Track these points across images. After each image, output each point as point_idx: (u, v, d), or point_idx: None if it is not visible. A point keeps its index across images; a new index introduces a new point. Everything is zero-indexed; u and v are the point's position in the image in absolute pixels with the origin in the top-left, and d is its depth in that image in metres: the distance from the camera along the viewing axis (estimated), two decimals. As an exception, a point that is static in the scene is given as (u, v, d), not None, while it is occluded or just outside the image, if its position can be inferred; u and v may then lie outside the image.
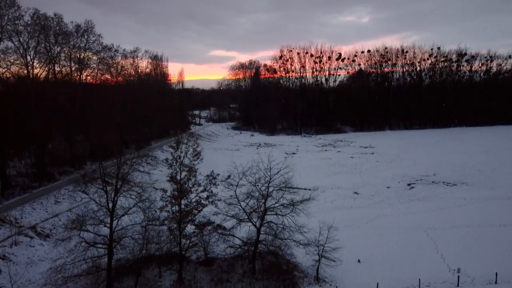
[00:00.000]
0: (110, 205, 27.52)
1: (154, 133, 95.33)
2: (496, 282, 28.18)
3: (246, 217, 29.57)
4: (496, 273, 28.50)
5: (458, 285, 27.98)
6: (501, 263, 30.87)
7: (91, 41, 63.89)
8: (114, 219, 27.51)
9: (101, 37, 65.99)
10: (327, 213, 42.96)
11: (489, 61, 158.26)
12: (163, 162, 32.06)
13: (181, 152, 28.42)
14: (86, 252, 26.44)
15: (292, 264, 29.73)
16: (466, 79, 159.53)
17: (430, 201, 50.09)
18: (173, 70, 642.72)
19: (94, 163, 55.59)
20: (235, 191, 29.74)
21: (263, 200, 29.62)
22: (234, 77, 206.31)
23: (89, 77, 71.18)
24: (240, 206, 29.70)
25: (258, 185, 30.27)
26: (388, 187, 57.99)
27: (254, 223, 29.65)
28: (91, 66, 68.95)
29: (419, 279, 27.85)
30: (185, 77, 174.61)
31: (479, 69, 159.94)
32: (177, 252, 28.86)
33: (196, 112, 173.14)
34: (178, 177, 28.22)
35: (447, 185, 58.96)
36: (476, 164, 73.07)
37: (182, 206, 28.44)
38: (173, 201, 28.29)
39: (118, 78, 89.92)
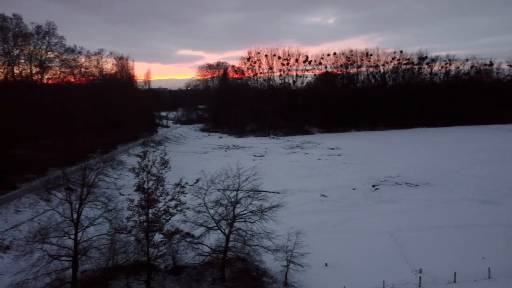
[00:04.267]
0: (75, 216, 26.90)
1: (120, 137, 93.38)
2: (455, 281, 29.52)
3: (215, 224, 29.60)
4: (455, 273, 29.87)
5: (420, 286, 29.09)
6: (460, 262, 32.35)
7: (53, 43, 61.92)
8: (79, 230, 26.89)
9: (64, 38, 64.16)
10: (296, 218, 43.61)
11: (448, 64, 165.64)
12: (131, 169, 31.55)
13: (149, 161, 28.08)
14: (49, 265, 25.70)
15: (261, 270, 30.02)
16: (427, 81, 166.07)
17: (394, 203, 51.76)
18: (140, 70, 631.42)
19: (58, 169, 53.89)
20: (204, 199, 29.72)
21: (232, 208, 29.74)
22: (202, 77, 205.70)
23: (51, 80, 68.94)
24: (209, 214, 29.69)
25: (227, 193, 30.38)
26: (354, 189, 59.44)
27: (223, 230, 29.71)
28: (53, 68, 66.86)
29: (383, 281, 28.80)
30: (152, 77, 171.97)
31: (439, 71, 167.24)
32: (145, 262, 28.53)
33: (164, 113, 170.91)
34: (146, 186, 27.89)
35: (410, 185, 61.12)
36: (438, 165, 76.12)
37: (150, 215, 28.13)
38: (141, 210, 27.93)
39: (82, 80, 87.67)
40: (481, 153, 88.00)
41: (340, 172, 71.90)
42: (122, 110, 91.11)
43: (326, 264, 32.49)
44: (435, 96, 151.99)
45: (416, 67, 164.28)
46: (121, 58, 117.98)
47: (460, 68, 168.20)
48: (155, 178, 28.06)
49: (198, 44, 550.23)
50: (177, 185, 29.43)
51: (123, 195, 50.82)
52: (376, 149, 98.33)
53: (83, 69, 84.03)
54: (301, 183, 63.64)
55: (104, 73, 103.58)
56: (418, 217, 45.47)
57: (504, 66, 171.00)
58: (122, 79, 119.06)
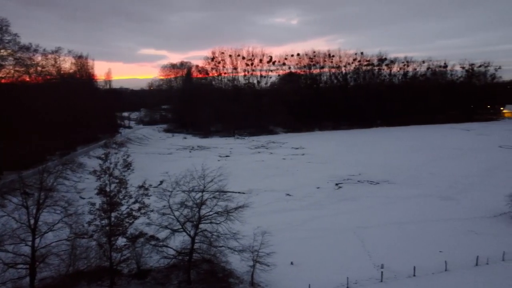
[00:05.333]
0: (32, 221, 25.75)
1: (80, 138, 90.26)
2: (414, 275, 30.67)
3: (180, 227, 29.20)
4: (414, 267, 31.04)
5: (382, 281, 30.00)
6: (419, 257, 33.68)
7: (6, 41, 58.96)
8: (37, 236, 25.77)
9: (18, 36, 61.20)
10: (262, 217, 43.87)
11: (406, 65, 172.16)
12: (92, 172, 30.56)
13: (111, 163, 27.32)
14: (4, 273, 24.48)
15: (227, 271, 29.86)
16: (387, 82, 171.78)
17: (357, 201, 53.11)
18: (100, 70, 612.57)
19: (14, 172, 51.37)
20: (168, 201, 29.24)
21: (197, 209, 29.45)
22: (165, 77, 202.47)
23: (4, 79, 65.56)
24: (174, 216, 29.24)
25: (192, 194, 30.06)
26: (318, 188, 60.46)
27: (189, 232, 29.37)
28: (7, 66, 63.65)
29: (347, 278, 29.47)
30: (113, 77, 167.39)
31: (398, 72, 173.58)
32: (108, 267, 27.73)
33: (126, 114, 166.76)
34: (108, 189, 27.12)
35: (371, 183, 62.93)
36: (397, 163, 78.89)
37: (113, 219, 27.39)
38: (103, 214, 27.12)
39: (38, 79, 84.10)
40: (437, 151, 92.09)
41: (304, 172, 72.94)
42: (82, 111, 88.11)
43: (291, 263, 32.84)
44: (394, 97, 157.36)
45: (376, 68, 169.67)
46: (80, 57, 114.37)
47: (417, 69, 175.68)
48: (117, 180, 27.34)
49: (161, 43, 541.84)
50: (140, 187, 28.81)
51: (84, 198, 49.30)
52: (339, 148, 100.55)
53: (39, 68, 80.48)
54: (266, 183, 64.01)
55: (62, 72, 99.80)
56: (379, 214, 46.91)
57: (457, 68, 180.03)
58: (82, 79, 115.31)
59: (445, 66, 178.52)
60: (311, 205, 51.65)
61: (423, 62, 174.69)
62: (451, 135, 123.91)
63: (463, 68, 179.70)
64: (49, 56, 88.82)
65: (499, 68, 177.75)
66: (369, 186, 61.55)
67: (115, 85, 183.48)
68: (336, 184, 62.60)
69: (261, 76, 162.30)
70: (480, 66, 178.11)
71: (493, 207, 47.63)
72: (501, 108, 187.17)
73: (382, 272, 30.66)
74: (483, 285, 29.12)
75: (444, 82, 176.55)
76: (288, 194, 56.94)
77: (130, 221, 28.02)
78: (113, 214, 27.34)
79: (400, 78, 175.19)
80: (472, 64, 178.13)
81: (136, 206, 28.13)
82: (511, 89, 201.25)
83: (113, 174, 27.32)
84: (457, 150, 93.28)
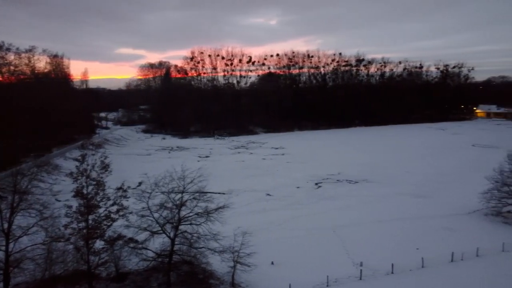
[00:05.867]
0: (6, 225, 25.04)
1: (56, 139, 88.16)
2: (392, 272, 31.25)
3: (160, 228, 28.90)
4: (392, 264, 31.62)
5: (361, 278, 30.44)
6: (397, 254, 34.33)
7: (-24, 39, 56.94)
8: (11, 241, 25.08)
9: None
10: (242, 218, 43.86)
11: (383, 66, 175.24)
12: (68, 174, 29.94)
13: (88, 165, 26.80)
14: (-23, 280, 23.72)
15: (208, 272, 29.75)
16: (364, 82, 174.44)
17: (336, 200, 53.70)
18: (76, 69, 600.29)
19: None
20: (147, 203, 28.90)
21: (177, 210, 29.21)
22: (143, 77, 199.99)
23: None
24: (153, 217, 28.93)
25: (171, 195, 29.78)
26: (298, 188, 60.83)
27: (168, 234, 29.10)
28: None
29: (327, 276, 29.77)
30: (89, 77, 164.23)
31: (375, 73, 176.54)
32: (86, 271, 27.19)
33: (103, 114, 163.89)
34: (85, 191, 26.59)
35: (350, 182, 63.75)
36: (375, 162, 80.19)
37: (90, 222, 26.87)
38: (80, 217, 26.59)
39: (11, 79, 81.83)
40: (413, 150, 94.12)
41: (284, 171, 73.27)
42: (58, 111, 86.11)
43: (272, 263, 32.94)
44: (371, 97, 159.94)
45: (354, 68, 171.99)
46: (55, 56, 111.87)
47: (394, 70, 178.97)
48: (95, 182, 26.85)
49: (139, 43, 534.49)
50: (119, 189, 28.39)
51: (60, 201, 48.18)
52: (318, 148, 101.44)
53: (12, 68, 78.39)
54: (246, 183, 64.00)
55: (36, 72, 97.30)
56: (358, 213, 47.57)
57: (432, 68, 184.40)
58: (57, 78, 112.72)
59: (421, 67, 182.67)
60: (291, 204, 51.92)
61: (400, 63, 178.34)
62: (427, 134, 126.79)
63: (438, 69, 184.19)
64: (23, 55, 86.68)
65: (472, 69, 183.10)
66: (348, 185, 62.34)
67: (92, 85, 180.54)
68: (316, 184, 63.14)
69: (240, 76, 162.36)
70: (454, 67, 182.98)
71: (467, 204, 48.95)
72: (474, 108, 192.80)
73: (361, 270, 31.10)
74: (459, 281, 29.91)
75: (420, 83, 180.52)
76: (268, 194, 57.08)
77: (108, 224, 27.58)
78: (90, 217, 26.84)
79: (377, 78, 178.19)
80: (446, 65, 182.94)
81: (114, 208, 27.70)
82: (484, 90, 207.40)
83: (90, 176, 26.82)
84: (433, 149, 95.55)
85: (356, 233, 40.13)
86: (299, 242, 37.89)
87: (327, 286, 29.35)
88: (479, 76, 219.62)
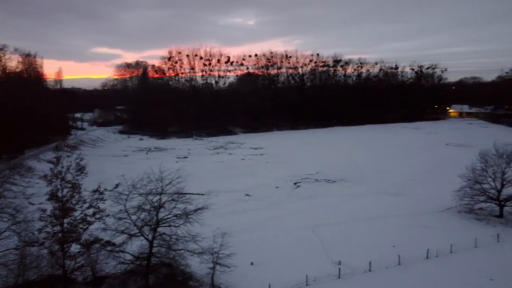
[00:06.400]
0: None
1: (29, 141, 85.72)
2: (370, 270, 31.77)
3: (138, 231, 28.49)
4: (370, 262, 32.15)
5: (339, 277, 30.82)
6: (374, 252, 34.93)
7: None
8: (-19, 246, 24.27)
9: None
10: (222, 219, 43.72)
11: (359, 67, 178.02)
12: (42, 177, 29.17)
13: (63, 167, 26.19)
14: None
15: (187, 274, 29.53)
16: (342, 83, 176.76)
17: (315, 199, 54.19)
18: (50, 69, 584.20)
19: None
20: (125, 205, 28.42)
21: (155, 212, 28.86)
22: (120, 77, 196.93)
23: None
24: (131, 220, 28.47)
25: (149, 197, 29.41)
26: (277, 187, 61.10)
27: (146, 236, 28.72)
28: None
29: (306, 275, 30.02)
30: (64, 76, 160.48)
31: (352, 73, 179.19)
32: (61, 275, 26.56)
33: (78, 115, 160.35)
34: (60, 194, 25.97)
35: (328, 182, 64.48)
36: (353, 161, 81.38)
37: (65, 225, 26.28)
38: (54, 220, 25.95)
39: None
40: (390, 149, 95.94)
41: (263, 171, 73.46)
42: (31, 112, 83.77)
43: (252, 263, 32.97)
44: (349, 97, 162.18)
45: (332, 69, 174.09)
46: (28, 55, 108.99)
47: (370, 71, 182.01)
48: (70, 185, 26.28)
49: (115, 42, 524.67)
50: (95, 191, 27.87)
51: (34, 204, 46.97)
52: (297, 148, 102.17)
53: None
54: (225, 183, 63.84)
55: (8, 71, 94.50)
56: (336, 212, 48.14)
57: (407, 69, 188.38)
58: (30, 78, 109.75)
59: (396, 67, 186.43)
60: (270, 204, 52.10)
61: (376, 63, 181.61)
62: (402, 134, 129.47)
63: (412, 69, 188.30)
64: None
65: (445, 70, 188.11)
66: (326, 184, 63.03)
67: (66, 85, 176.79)
68: (295, 184, 63.55)
69: (219, 76, 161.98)
70: (428, 68, 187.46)
71: (442, 202, 50.23)
72: (447, 108, 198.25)
73: (339, 268, 31.50)
74: (433, 277, 30.67)
75: (395, 83, 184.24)
76: (247, 195, 57.11)
77: (84, 227, 27.05)
78: (66, 220, 26.26)
79: (354, 79, 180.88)
80: (420, 66, 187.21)
81: (91, 211, 27.19)
82: (456, 90, 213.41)
83: (65, 178, 26.25)
84: (408, 148, 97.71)
85: (334, 232, 40.60)
86: (278, 242, 38.05)
87: (306, 285, 29.59)
88: (452, 77, 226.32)
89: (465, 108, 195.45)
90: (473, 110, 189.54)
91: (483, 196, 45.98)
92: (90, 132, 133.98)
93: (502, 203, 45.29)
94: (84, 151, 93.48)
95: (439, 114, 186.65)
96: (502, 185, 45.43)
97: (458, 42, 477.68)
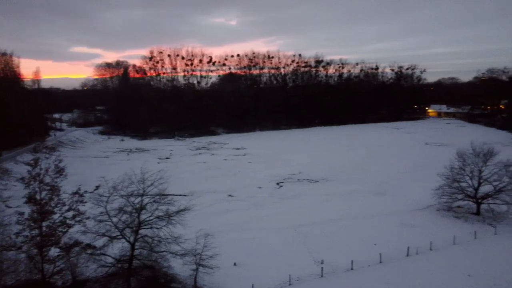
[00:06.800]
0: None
1: (6, 142, 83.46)
2: (352, 269, 32.13)
3: (119, 233, 28.08)
4: (352, 261, 32.50)
5: (322, 276, 31.07)
6: (356, 251, 35.35)
7: None
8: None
9: None
10: (204, 220, 43.52)
11: (341, 67, 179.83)
12: (19, 179, 28.46)
13: (41, 169, 25.61)
14: None
15: (169, 276, 29.24)
16: (323, 83, 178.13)
17: (298, 199, 54.50)
18: (27, 68, 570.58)
19: None
20: (106, 207, 27.97)
21: (137, 214, 28.50)
22: (100, 77, 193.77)
23: None
24: (112, 222, 28.02)
25: (131, 199, 29.03)
26: (260, 188, 61.17)
27: (128, 238, 28.35)
28: None
29: (289, 275, 30.15)
30: (42, 76, 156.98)
31: (334, 74, 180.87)
32: (40, 280, 25.97)
33: (57, 115, 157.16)
34: (38, 197, 25.39)
35: (311, 182, 64.92)
36: (334, 161, 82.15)
37: (44, 229, 25.71)
38: (33, 224, 25.36)
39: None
40: (371, 149, 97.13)
41: (246, 172, 73.45)
42: (7, 112, 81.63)
43: (235, 264, 32.92)
44: (330, 97, 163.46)
45: (313, 69, 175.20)
46: (3, 54, 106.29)
47: (351, 71, 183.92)
48: (49, 187, 25.72)
49: (95, 41, 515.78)
50: (75, 193, 27.38)
51: (11, 207, 45.87)
52: (279, 148, 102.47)
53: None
54: (208, 184, 63.59)
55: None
56: (319, 211, 48.54)
57: (387, 70, 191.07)
58: (6, 78, 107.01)
59: (377, 68, 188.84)
60: (253, 205, 52.12)
61: (357, 64, 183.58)
62: (383, 134, 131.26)
63: (392, 70, 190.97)
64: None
65: (424, 70, 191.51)
66: (309, 184, 63.43)
67: (44, 85, 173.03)
68: (277, 184, 63.75)
69: (201, 76, 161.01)
70: (407, 68, 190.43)
71: (421, 200, 51.17)
72: (426, 108, 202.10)
73: (322, 267, 31.77)
74: (414, 274, 31.22)
75: (376, 84, 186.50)
76: (230, 195, 56.99)
77: (64, 230, 26.54)
78: (44, 224, 25.71)
79: (336, 79, 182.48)
80: (400, 67, 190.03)
81: (70, 214, 26.68)
82: (435, 91, 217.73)
83: (43, 180, 25.68)
84: (389, 148, 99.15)
85: (317, 232, 40.91)
86: (261, 242, 38.11)
87: (290, 284, 29.73)
88: (430, 78, 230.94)
89: (444, 108, 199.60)
90: (451, 110, 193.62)
91: (461, 194, 47.08)
92: (69, 133, 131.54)
93: (479, 200, 46.45)
94: (63, 152, 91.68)
95: (418, 114, 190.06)
96: (479, 183, 46.62)
97: (436, 44, 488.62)
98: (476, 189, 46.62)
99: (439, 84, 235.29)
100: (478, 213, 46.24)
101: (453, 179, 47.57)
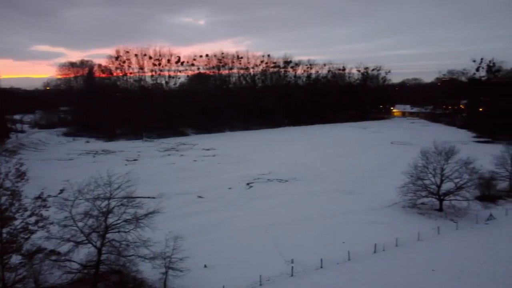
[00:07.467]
0: None
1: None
2: (321, 267, 32.61)
3: (85, 238, 27.35)
4: (321, 259, 32.99)
5: (292, 275, 31.35)
6: (325, 249, 35.89)
7: None
8: None
9: None
10: (174, 222, 42.99)
11: (309, 68, 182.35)
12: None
13: (0, 173, 24.52)
14: None
15: (138, 280, 28.72)
16: (292, 83, 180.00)
17: (268, 199, 54.75)
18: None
19: None
20: (70, 211, 27.17)
21: (104, 218, 27.84)
22: (63, 77, 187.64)
23: None
24: (77, 227, 27.27)
25: (97, 202, 28.31)
26: (230, 188, 61.03)
27: (94, 243, 27.64)
28: None
29: (260, 275, 30.24)
30: (1, 75, 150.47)
31: (302, 74, 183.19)
32: (0, 289, 24.88)
33: (18, 117, 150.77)
34: (-3, 203, 24.31)
35: (281, 181, 65.40)
36: (304, 161, 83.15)
37: (4, 235, 24.62)
38: (-9, 231, 24.24)
39: None
40: (339, 149, 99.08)
41: (216, 173, 73.11)
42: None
43: (205, 266, 32.70)
44: (299, 97, 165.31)
45: (282, 70, 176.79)
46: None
47: (319, 72, 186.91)
48: (9, 192, 24.64)
49: (58, 40, 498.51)
50: (37, 198, 26.34)
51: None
52: (249, 148, 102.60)
53: None
54: (177, 186, 62.83)
55: None
56: (289, 211, 48.93)
57: (354, 71, 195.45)
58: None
59: (344, 69, 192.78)
60: (223, 206, 51.94)
61: (324, 65, 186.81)
62: (350, 133, 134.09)
63: (359, 71, 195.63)
64: None
65: (389, 71, 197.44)
66: (279, 184, 63.88)
67: (4, 85, 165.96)
68: (248, 184, 63.82)
69: (169, 76, 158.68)
70: (373, 69, 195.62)
71: (388, 198, 52.56)
72: (391, 108, 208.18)
73: (292, 266, 32.08)
74: (381, 269, 32.07)
75: (343, 84, 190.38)
76: (200, 196, 56.55)
77: (26, 237, 25.46)
78: (4, 230, 24.61)
79: (304, 80, 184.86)
80: (366, 68, 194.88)
81: (33, 219, 25.64)
82: (399, 91, 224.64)
83: (3, 185, 24.59)
84: (356, 147, 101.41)
85: (287, 231, 41.24)
86: (232, 243, 38.04)
87: (260, 285, 29.82)
88: (395, 78, 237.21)
89: (408, 108, 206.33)
90: (415, 110, 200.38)
91: (425, 192, 48.76)
92: (31, 135, 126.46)
93: (442, 197, 48.27)
94: (25, 155, 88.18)
95: (384, 114, 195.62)
96: (441, 181, 48.46)
97: (400, 46, 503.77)
98: (439, 186, 48.42)
99: (403, 85, 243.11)
100: (441, 209, 48.04)
101: (417, 177, 49.19)
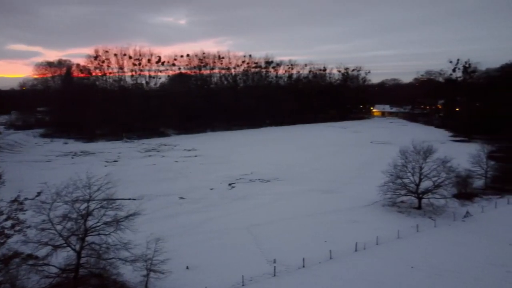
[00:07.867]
0: None
1: None
2: (303, 266, 32.83)
3: (64, 241, 26.81)
4: (303, 258, 33.21)
5: (274, 275, 31.45)
6: (307, 248, 36.15)
7: None
8: None
9: None
10: (155, 223, 42.63)
11: (290, 68, 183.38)
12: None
13: (-26, 176, 23.84)
14: None
15: (119, 284, 28.29)
16: (274, 83, 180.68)
17: (250, 199, 54.79)
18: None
19: None
20: (48, 214, 26.60)
21: (83, 221, 27.36)
22: (40, 76, 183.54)
23: None
24: (56, 230, 26.71)
25: (76, 205, 27.78)
26: (212, 189, 60.82)
27: (73, 247, 27.13)
28: None
29: (242, 276, 30.24)
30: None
31: (283, 74, 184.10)
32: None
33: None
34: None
35: (262, 181, 65.54)
36: (285, 161, 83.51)
37: (-21, 240, 23.96)
38: (-34, 236, 23.55)
39: None
40: (319, 148, 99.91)
41: (197, 173, 72.72)
42: None
43: (187, 267, 32.49)
44: (280, 98, 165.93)
45: (264, 70, 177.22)
46: None
47: (300, 72, 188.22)
48: (-16, 196, 23.98)
49: (35, 39, 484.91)
50: (13, 201, 25.75)
51: None
52: (231, 149, 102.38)
53: None
54: (158, 187, 62.23)
55: None
56: (271, 211, 49.11)
57: (335, 71, 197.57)
58: None
59: (324, 69, 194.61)
60: (205, 207, 51.71)
61: (306, 65, 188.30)
62: (331, 133, 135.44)
63: (339, 71, 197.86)
64: None
65: (369, 72, 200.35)
66: (261, 184, 64.00)
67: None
68: (229, 184, 63.72)
69: (149, 76, 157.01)
70: (353, 70, 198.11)
71: (368, 197, 53.34)
72: (371, 108, 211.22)
73: (274, 266, 32.18)
74: (362, 268, 32.53)
75: (324, 84, 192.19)
76: (181, 197, 56.16)
77: (2, 241, 24.89)
78: (-21, 235, 23.92)
79: (285, 80, 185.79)
80: (346, 68, 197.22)
81: (9, 223, 25.06)
82: (379, 91, 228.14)
83: (-23, 188, 23.90)
84: (337, 147, 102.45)
85: (269, 231, 41.37)
86: (214, 244, 37.93)
87: (243, 285, 29.82)
88: (375, 79, 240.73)
89: (387, 108, 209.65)
90: (394, 109, 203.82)
91: (404, 190, 49.67)
92: (7, 136, 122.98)
93: (420, 195, 49.26)
94: (0, 157, 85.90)
95: (363, 114, 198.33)
96: (420, 179, 49.45)
97: (380, 46, 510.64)
98: (418, 185, 49.39)
99: (382, 85, 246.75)
100: (419, 207, 49.00)
101: (396, 176, 50.04)
